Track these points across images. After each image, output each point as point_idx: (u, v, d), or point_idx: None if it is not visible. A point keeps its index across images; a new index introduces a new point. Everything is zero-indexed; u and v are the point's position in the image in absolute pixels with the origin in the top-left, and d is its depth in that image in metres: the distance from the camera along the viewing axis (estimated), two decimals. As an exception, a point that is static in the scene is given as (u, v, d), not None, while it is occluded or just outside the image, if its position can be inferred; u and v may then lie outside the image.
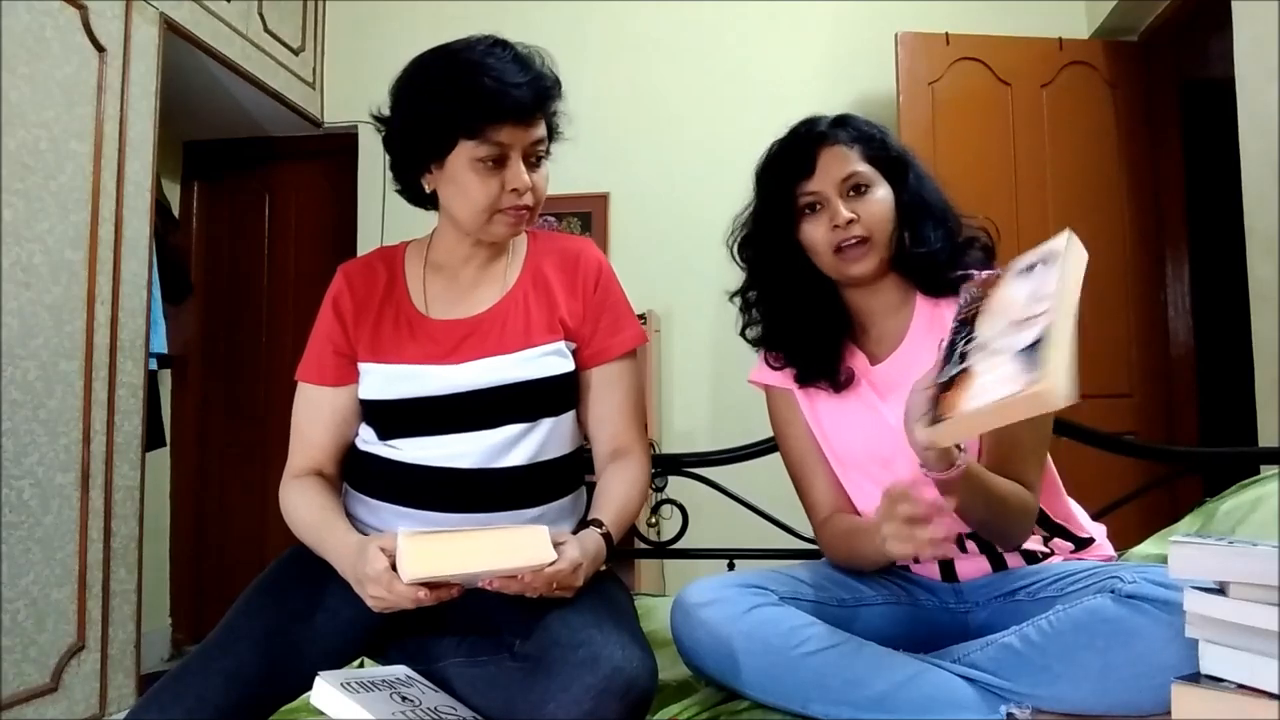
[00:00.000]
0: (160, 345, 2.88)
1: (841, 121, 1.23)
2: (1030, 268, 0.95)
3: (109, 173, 2.41)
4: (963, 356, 0.92)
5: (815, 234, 1.20)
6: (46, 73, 2.21)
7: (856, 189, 1.19)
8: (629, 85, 3.34)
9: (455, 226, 1.24)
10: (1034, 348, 0.82)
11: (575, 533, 1.16)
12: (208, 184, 3.71)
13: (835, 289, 1.27)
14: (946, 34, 2.94)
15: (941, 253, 1.21)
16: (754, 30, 3.29)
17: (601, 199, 3.29)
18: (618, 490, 1.22)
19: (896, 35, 2.93)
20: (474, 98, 1.12)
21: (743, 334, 1.34)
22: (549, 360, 1.21)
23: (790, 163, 1.22)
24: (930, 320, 1.23)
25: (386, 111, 1.22)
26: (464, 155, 1.15)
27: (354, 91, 3.44)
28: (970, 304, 0.99)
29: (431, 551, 0.99)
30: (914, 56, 2.92)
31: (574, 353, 1.25)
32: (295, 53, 3.33)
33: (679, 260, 3.19)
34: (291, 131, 3.53)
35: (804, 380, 1.27)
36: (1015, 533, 1.15)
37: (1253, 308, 2.18)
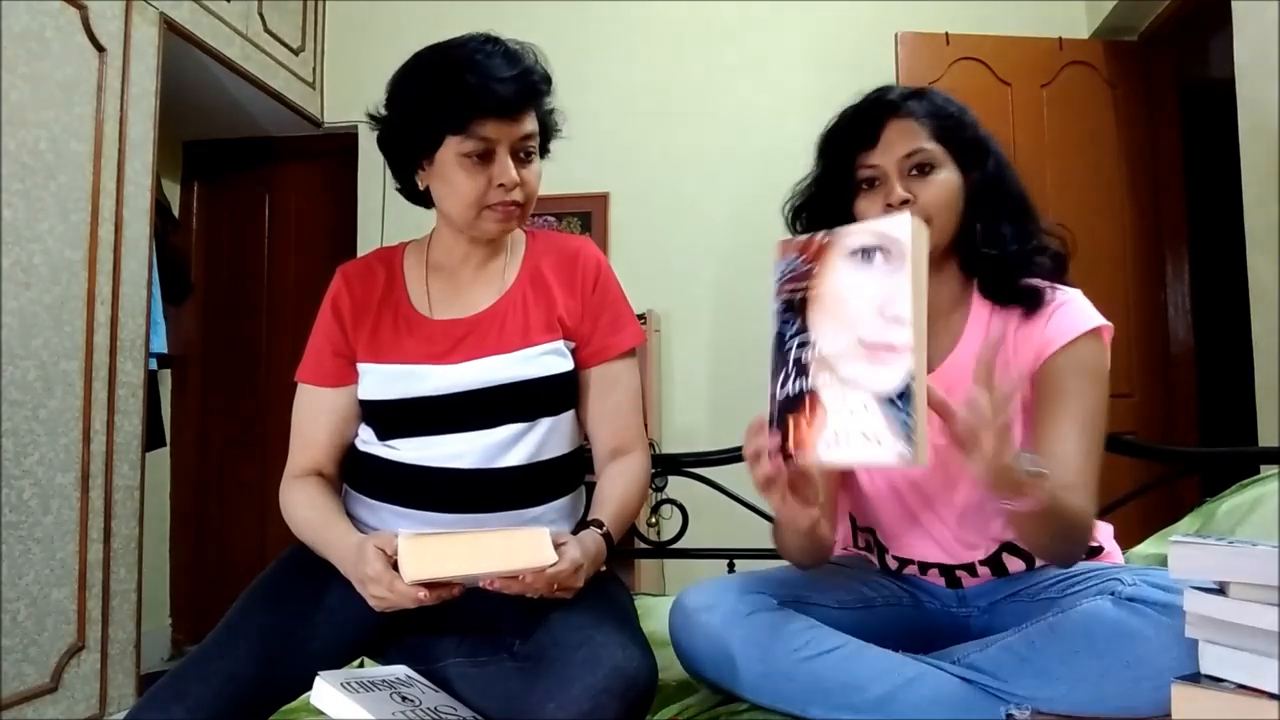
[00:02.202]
0: (160, 345, 2.88)
1: (918, 94, 1.14)
2: (866, 253, 0.83)
3: (109, 173, 2.41)
4: (800, 366, 0.83)
5: (869, 211, 1.11)
6: (46, 73, 2.21)
7: (920, 168, 1.10)
8: (629, 85, 3.33)
9: (449, 224, 1.25)
10: (901, 403, 0.76)
11: (575, 533, 1.16)
12: (208, 184, 3.71)
13: None
14: (946, 34, 2.93)
15: (1014, 256, 1.13)
16: (754, 30, 3.29)
17: (601, 199, 3.29)
18: (617, 489, 1.22)
19: (896, 35, 2.93)
20: (457, 93, 1.13)
21: None
22: (547, 359, 1.21)
23: (854, 132, 1.13)
24: (986, 329, 1.13)
25: (382, 111, 1.23)
26: (451, 151, 1.16)
27: (354, 91, 3.43)
28: (791, 275, 0.87)
29: (432, 553, 0.99)
30: (914, 56, 2.91)
31: (573, 352, 1.25)
32: (295, 53, 3.32)
33: (679, 260, 3.19)
34: (291, 131, 3.52)
35: None
36: (1076, 553, 1.06)
37: (1252, 308, 2.18)
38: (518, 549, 1.00)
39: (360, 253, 3.34)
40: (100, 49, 2.37)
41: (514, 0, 3.22)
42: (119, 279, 2.44)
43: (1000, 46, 2.95)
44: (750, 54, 3.29)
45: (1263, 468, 1.77)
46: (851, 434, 0.79)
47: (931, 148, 1.11)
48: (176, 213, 3.54)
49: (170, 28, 2.64)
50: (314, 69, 3.45)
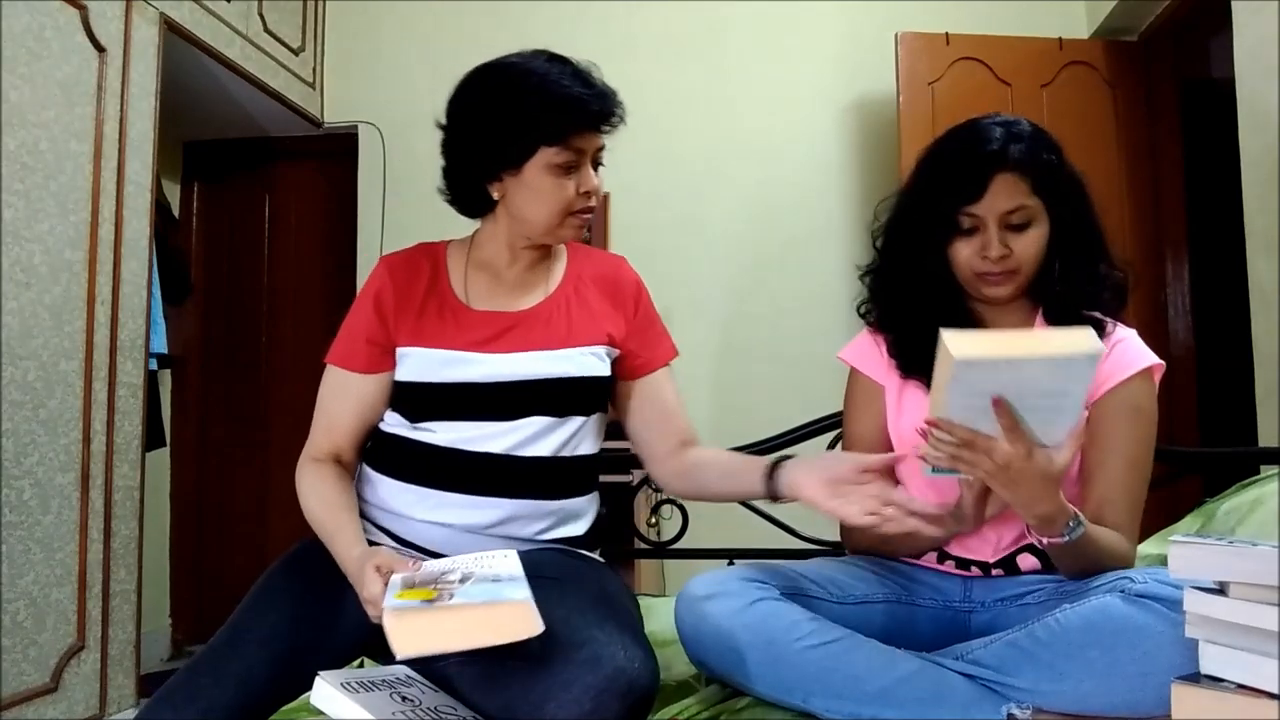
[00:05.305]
0: (160, 345, 2.88)
1: (1018, 137, 1.15)
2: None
3: (109, 173, 2.41)
4: None
5: (963, 253, 1.18)
6: (46, 73, 2.21)
7: (1017, 224, 1.16)
8: (628, 85, 3.30)
9: (517, 229, 1.28)
10: None
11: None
12: (208, 184, 3.71)
13: (963, 296, 1.26)
14: (946, 34, 2.94)
15: (1083, 292, 1.20)
16: (754, 30, 3.29)
17: (602, 199, 3.29)
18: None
19: (896, 35, 2.93)
20: (556, 107, 1.19)
21: (858, 309, 1.35)
22: (588, 361, 1.26)
23: (960, 182, 1.16)
24: None
25: (444, 121, 1.26)
26: (542, 161, 1.21)
27: (354, 91, 3.44)
28: None
29: (419, 629, 0.96)
30: (914, 56, 2.92)
31: (615, 362, 1.31)
32: (295, 53, 3.32)
33: (679, 260, 3.18)
34: (291, 131, 3.52)
35: (907, 371, 1.25)
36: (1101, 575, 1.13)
37: (1253, 308, 2.18)
38: (503, 624, 0.97)
39: (360, 253, 3.35)
40: (100, 49, 2.37)
41: (513, 1, 3.22)
42: (119, 279, 2.44)
43: (1000, 46, 2.95)
44: (750, 54, 3.28)
45: (1263, 468, 1.77)
46: None
47: (1031, 204, 1.15)
48: (176, 213, 3.54)
49: (170, 28, 2.64)
50: (314, 69, 3.45)
